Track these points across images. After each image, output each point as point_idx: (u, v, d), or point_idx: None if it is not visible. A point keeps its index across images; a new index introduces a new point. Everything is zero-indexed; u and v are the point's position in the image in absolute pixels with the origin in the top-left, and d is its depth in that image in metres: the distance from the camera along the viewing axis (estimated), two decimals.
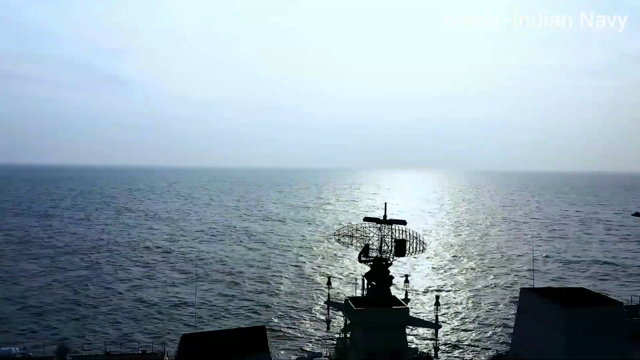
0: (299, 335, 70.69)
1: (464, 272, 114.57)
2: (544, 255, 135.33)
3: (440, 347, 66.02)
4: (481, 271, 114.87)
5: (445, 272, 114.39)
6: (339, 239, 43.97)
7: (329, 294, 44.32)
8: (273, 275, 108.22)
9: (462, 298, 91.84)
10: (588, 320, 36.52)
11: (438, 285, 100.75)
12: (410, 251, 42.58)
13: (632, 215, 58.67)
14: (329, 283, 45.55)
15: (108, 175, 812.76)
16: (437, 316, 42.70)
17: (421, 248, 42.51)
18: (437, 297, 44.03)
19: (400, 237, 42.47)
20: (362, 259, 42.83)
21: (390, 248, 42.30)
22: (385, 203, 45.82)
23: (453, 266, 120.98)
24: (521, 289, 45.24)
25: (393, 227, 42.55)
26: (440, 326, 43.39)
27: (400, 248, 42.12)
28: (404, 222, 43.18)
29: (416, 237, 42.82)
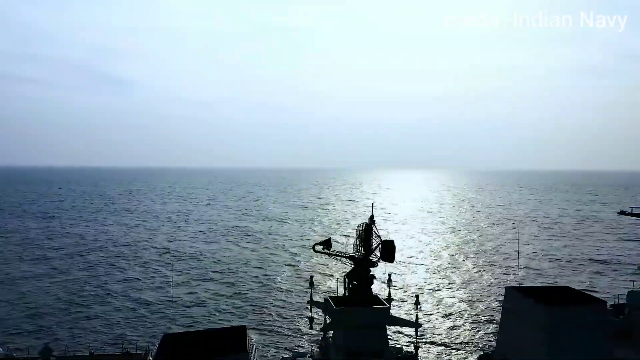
0: (290, 335, 71.18)
1: (456, 270, 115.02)
2: (540, 254, 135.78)
3: (428, 346, 66.68)
4: (475, 270, 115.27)
5: (438, 271, 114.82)
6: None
7: (311, 293, 44.65)
8: (267, 275, 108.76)
9: (452, 297, 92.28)
10: (570, 319, 36.38)
11: (431, 284, 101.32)
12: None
13: (618, 213, 58.56)
14: (311, 283, 45.89)
15: (108, 176, 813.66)
16: (417, 316, 43.01)
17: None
18: (417, 297, 44.35)
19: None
20: (316, 248, 43.27)
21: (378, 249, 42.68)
22: (373, 203, 46.04)
23: (447, 265, 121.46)
24: (506, 287, 45.12)
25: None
26: (421, 325, 43.71)
27: (389, 252, 42.57)
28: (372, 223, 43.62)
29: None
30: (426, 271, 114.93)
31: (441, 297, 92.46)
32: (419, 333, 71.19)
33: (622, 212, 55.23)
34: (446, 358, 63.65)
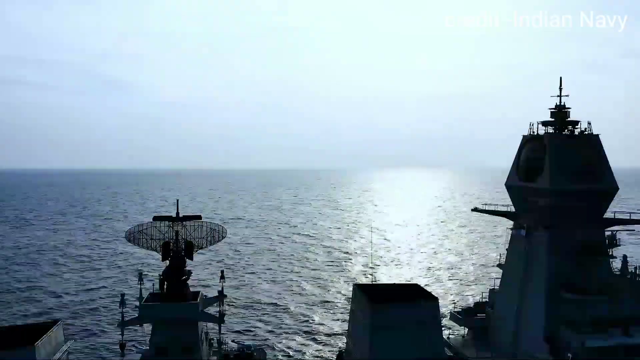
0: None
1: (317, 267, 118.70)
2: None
3: (289, 342, 68.07)
4: (328, 268, 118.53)
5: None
6: (129, 239, 44.81)
7: (140, 289, 44.49)
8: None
9: (312, 294, 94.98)
10: (394, 317, 36.26)
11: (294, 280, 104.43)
12: (211, 243, 44.44)
13: (472, 210, 58.51)
14: (140, 278, 45.44)
15: (107, 178, 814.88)
16: (220, 311, 42.97)
17: (219, 237, 44.58)
18: (220, 292, 44.31)
19: (192, 236, 43.77)
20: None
21: (182, 247, 43.61)
22: (177, 200, 46.47)
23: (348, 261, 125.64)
24: (353, 285, 45.02)
25: (185, 223, 43.76)
26: (224, 322, 43.90)
27: (188, 251, 43.55)
28: (199, 217, 44.47)
29: (213, 229, 44.23)
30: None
31: (307, 294, 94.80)
32: (302, 330, 72.65)
33: (475, 209, 55.63)
34: (308, 358, 64.35)
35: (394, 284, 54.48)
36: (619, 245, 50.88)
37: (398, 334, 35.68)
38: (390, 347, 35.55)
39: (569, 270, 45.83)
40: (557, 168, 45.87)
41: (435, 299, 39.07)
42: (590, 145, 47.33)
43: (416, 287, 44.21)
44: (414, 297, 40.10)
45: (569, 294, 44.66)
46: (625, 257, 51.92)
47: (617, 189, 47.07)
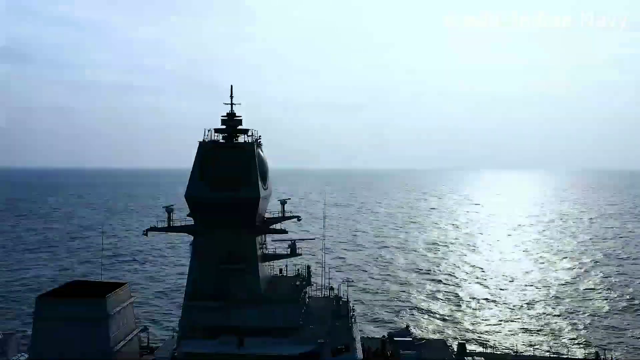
0: None
1: None
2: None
3: None
4: None
5: None
6: None
7: None
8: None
9: None
10: (55, 311, 41.52)
11: None
12: None
13: (147, 230, 50.41)
14: None
15: (106, 179, 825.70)
16: None
17: None
18: None
19: None
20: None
21: None
22: None
23: None
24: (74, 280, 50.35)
25: None
26: None
27: None
28: None
29: None
30: None
31: None
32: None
33: (152, 229, 50.67)
34: None
35: (106, 282, 53.75)
36: (300, 255, 50.53)
37: (60, 328, 40.78)
38: (51, 339, 40.73)
39: (210, 279, 45.64)
40: (199, 176, 45.98)
41: (102, 297, 42.34)
42: (239, 154, 46.72)
43: (115, 285, 46.36)
44: (85, 294, 44.59)
45: (191, 301, 45.14)
46: (308, 267, 51.49)
47: (258, 198, 45.84)
